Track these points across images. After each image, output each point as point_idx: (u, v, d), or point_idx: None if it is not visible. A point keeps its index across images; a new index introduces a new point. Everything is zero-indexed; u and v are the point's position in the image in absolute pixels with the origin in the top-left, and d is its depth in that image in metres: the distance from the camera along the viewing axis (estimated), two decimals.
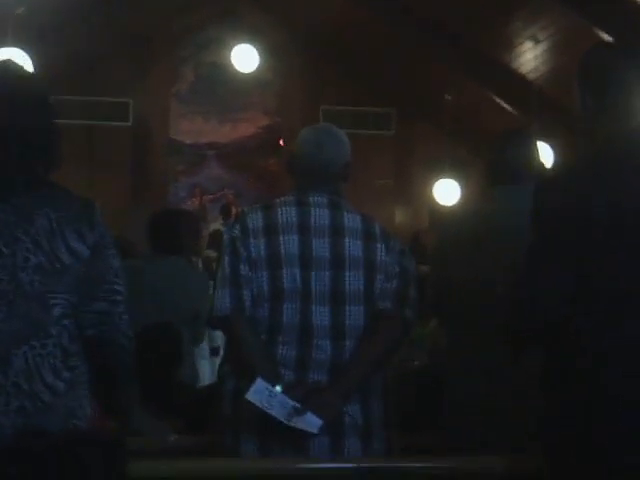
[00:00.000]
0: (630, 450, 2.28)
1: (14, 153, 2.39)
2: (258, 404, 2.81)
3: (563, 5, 8.82)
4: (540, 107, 9.92)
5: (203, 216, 12.28)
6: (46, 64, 8.74)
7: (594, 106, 2.54)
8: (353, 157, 3.22)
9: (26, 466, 2.20)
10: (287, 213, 3.06)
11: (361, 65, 12.41)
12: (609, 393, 2.30)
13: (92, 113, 12.61)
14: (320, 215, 3.07)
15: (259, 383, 2.82)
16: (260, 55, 11.86)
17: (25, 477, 2.19)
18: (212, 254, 9.62)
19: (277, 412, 2.81)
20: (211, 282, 3.44)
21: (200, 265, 8.33)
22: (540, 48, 9.93)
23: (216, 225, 12.07)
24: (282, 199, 3.12)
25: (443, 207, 11.46)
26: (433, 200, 11.86)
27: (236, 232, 3.04)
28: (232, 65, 12.01)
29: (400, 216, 13.18)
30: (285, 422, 2.81)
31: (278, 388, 2.84)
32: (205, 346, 5.45)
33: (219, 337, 5.11)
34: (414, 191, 13.15)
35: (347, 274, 3.03)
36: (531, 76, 10.40)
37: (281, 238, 3.02)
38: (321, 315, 2.99)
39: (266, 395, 2.82)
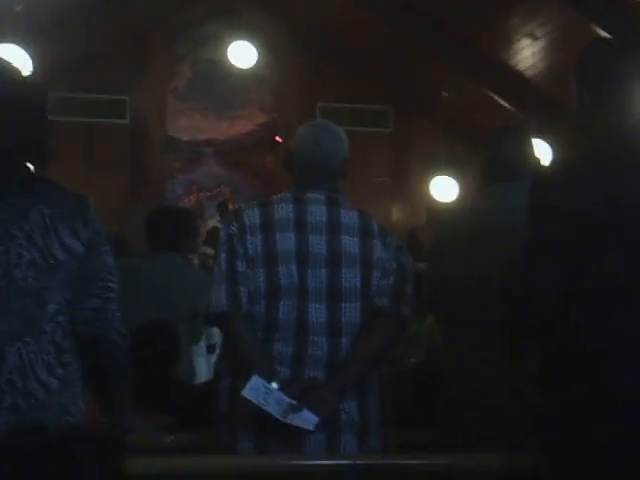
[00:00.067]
0: (629, 448, 2.28)
1: (8, 152, 2.39)
2: (254, 401, 2.81)
3: (561, 2, 8.82)
4: (538, 104, 9.92)
5: (200, 213, 12.28)
6: (44, 61, 8.74)
7: (592, 102, 2.54)
8: (350, 154, 3.22)
9: (19, 463, 2.19)
10: (284, 210, 3.06)
11: (358, 62, 12.41)
12: (608, 391, 2.30)
13: (89, 111, 12.61)
14: (317, 212, 3.07)
15: (255, 380, 2.82)
16: (258, 52, 11.85)
17: (19, 474, 2.19)
18: (208, 251, 9.62)
19: (273, 409, 2.81)
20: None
21: (196, 262, 8.32)
22: (538, 45, 9.94)
23: (213, 222, 12.08)
24: (279, 196, 3.12)
25: (440, 204, 11.46)
26: (430, 197, 11.86)
27: (233, 229, 3.04)
28: (229, 62, 12.00)
29: (397, 213, 13.19)
30: (281, 419, 2.81)
31: (274, 385, 2.83)
32: (202, 343, 5.45)
33: (216, 334, 5.11)
34: (411, 188, 13.15)
35: (344, 271, 3.02)
36: (529, 73, 10.40)
37: (278, 235, 3.02)
38: (317, 312, 2.99)
39: (262, 392, 2.82)
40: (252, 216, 3.05)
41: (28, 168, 2.44)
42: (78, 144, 12.55)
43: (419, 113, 12.89)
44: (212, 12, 13.26)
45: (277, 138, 13.35)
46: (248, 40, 11.73)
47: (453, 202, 11.36)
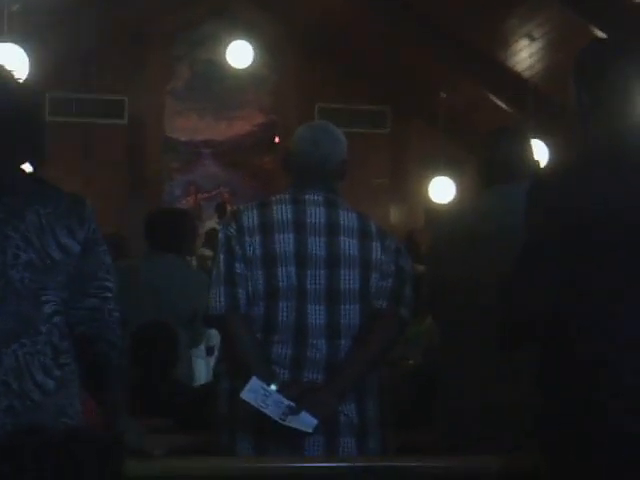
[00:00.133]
0: (629, 448, 2.28)
1: (3, 152, 2.39)
2: (253, 403, 2.81)
3: (559, 3, 8.83)
4: (536, 105, 9.92)
5: (198, 214, 12.28)
6: (41, 61, 8.73)
7: (590, 103, 2.53)
8: (348, 155, 3.22)
9: (20, 464, 2.19)
10: (283, 211, 3.05)
11: (356, 63, 12.41)
12: (608, 391, 2.30)
13: (87, 111, 12.60)
14: (316, 213, 3.06)
15: (254, 382, 2.82)
16: (256, 52, 11.86)
17: (19, 475, 2.19)
18: (207, 253, 9.62)
19: (272, 411, 2.80)
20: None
21: (194, 263, 8.32)
22: (535, 46, 9.94)
23: (211, 223, 12.09)
24: (278, 197, 3.12)
25: (438, 205, 11.47)
26: (428, 198, 11.87)
27: (232, 230, 3.04)
28: (227, 62, 12.00)
29: (395, 214, 13.19)
30: (280, 421, 2.81)
31: (273, 387, 2.83)
32: (201, 345, 5.45)
33: (215, 336, 5.10)
34: (409, 189, 13.16)
35: (343, 273, 3.02)
36: (526, 74, 10.41)
37: (277, 236, 3.02)
38: (316, 314, 2.99)
39: (261, 394, 2.81)
40: (250, 217, 3.05)
41: (23, 169, 2.44)
42: (76, 144, 12.56)
43: (417, 114, 12.89)
44: (210, 12, 13.26)
45: (275, 139, 13.35)
46: (246, 40, 11.74)
47: (451, 203, 11.37)
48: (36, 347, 2.32)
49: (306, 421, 2.82)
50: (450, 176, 11.64)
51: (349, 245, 3.05)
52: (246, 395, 2.81)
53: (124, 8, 11.52)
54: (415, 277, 3.22)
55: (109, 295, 2.46)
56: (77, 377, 2.43)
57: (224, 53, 11.94)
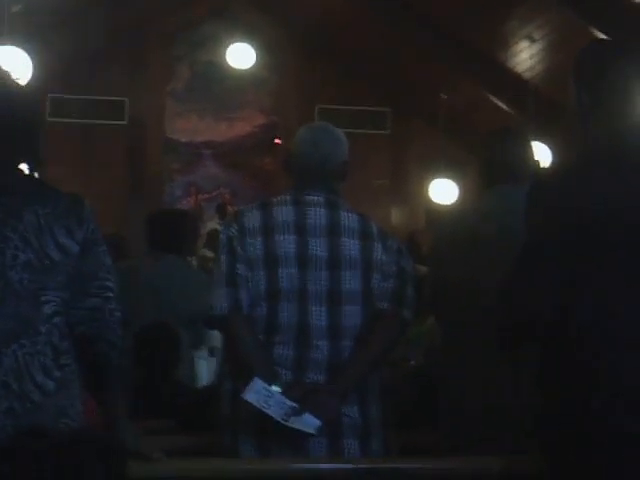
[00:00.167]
0: (629, 448, 2.28)
1: (1, 153, 2.40)
2: (255, 404, 2.81)
3: (559, 4, 8.83)
4: (536, 106, 9.93)
5: (199, 215, 12.27)
6: (42, 62, 8.73)
7: (590, 103, 2.53)
8: (349, 156, 3.22)
9: (21, 465, 2.19)
10: (284, 212, 3.05)
11: (357, 64, 12.41)
12: (608, 391, 2.30)
13: (88, 112, 12.60)
14: (317, 214, 3.06)
15: (257, 383, 2.82)
16: (256, 53, 11.87)
17: (20, 477, 2.19)
18: (208, 254, 9.60)
19: (274, 412, 2.80)
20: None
21: (194, 264, 8.31)
22: (536, 47, 9.95)
23: (212, 224, 12.07)
24: (279, 198, 3.12)
25: (439, 206, 11.47)
26: (429, 199, 11.86)
27: (233, 231, 3.04)
28: (228, 63, 12.01)
29: (396, 215, 13.18)
30: (282, 422, 2.81)
31: (276, 388, 2.83)
32: (203, 346, 5.44)
33: (217, 337, 5.10)
34: (410, 190, 13.15)
35: (344, 274, 3.02)
36: (527, 75, 10.41)
37: (278, 237, 3.02)
38: (318, 315, 2.99)
39: (263, 395, 2.81)
40: (252, 218, 3.05)
41: (21, 169, 2.45)
42: (76, 145, 12.56)
43: (418, 115, 12.89)
44: (210, 13, 13.26)
45: (276, 140, 13.34)
46: (246, 41, 11.75)
47: (452, 204, 11.37)
48: (36, 347, 2.33)
49: (309, 422, 2.82)
50: (451, 177, 11.64)
51: (350, 246, 3.05)
52: (249, 396, 2.81)
53: (124, 9, 11.52)
54: (416, 278, 3.22)
55: (110, 295, 2.46)
56: (78, 378, 2.43)
57: (224, 54, 11.95)
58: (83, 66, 12.33)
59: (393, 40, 10.99)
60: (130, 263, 5.14)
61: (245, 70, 12.14)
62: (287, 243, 3.01)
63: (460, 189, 11.51)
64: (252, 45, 11.78)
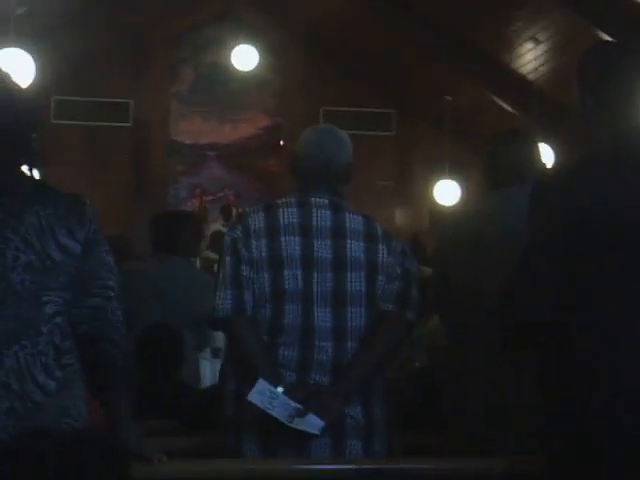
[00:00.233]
0: (629, 448, 2.28)
1: (2, 154, 2.40)
2: (260, 405, 2.81)
3: (563, 5, 8.82)
4: (540, 108, 9.92)
5: (204, 217, 12.29)
6: (47, 64, 8.75)
7: (594, 106, 2.53)
8: (354, 158, 3.22)
9: (24, 466, 2.20)
10: (289, 214, 3.06)
11: (361, 65, 12.41)
12: (608, 391, 2.30)
13: (92, 114, 12.62)
14: (322, 216, 3.07)
15: (261, 384, 2.82)
16: (260, 55, 11.88)
17: (22, 477, 2.19)
18: (211, 255, 9.61)
19: (278, 413, 2.81)
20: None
21: (198, 265, 8.31)
22: (540, 49, 9.94)
23: (216, 226, 12.08)
24: (284, 200, 3.12)
25: (443, 208, 11.47)
26: (433, 201, 11.87)
27: (238, 233, 3.04)
28: (232, 65, 12.02)
29: (400, 217, 13.18)
30: (287, 423, 2.81)
31: (280, 389, 2.84)
32: (207, 347, 5.45)
33: (221, 338, 5.10)
34: (414, 192, 13.16)
35: (349, 275, 3.02)
36: (531, 77, 10.41)
37: (283, 239, 3.02)
38: (323, 316, 2.99)
39: (267, 396, 2.82)
40: (257, 220, 3.05)
41: (23, 171, 2.46)
42: (81, 147, 12.57)
43: (422, 117, 12.89)
44: (214, 16, 13.27)
45: (280, 142, 13.35)
46: (250, 43, 11.76)
47: (456, 206, 11.37)
48: (37, 348, 2.33)
49: (313, 423, 2.82)
50: (455, 179, 11.64)
51: (355, 248, 3.05)
52: (253, 397, 2.81)
53: (129, 11, 11.54)
54: (420, 279, 3.22)
55: (112, 294, 2.47)
56: (81, 377, 2.43)
57: (228, 56, 11.96)
58: (88, 68, 12.35)
59: (396, 42, 10.99)
60: (134, 265, 5.14)
61: (249, 72, 12.16)
62: (292, 245, 3.02)
63: (464, 191, 11.51)
64: (256, 47, 11.80)
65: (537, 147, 3.46)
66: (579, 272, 2.35)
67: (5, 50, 7.72)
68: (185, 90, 13.58)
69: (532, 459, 2.64)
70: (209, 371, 5.41)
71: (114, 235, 5.89)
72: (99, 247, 2.47)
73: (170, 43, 13.23)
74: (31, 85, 7.56)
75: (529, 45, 9.95)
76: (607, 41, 6.28)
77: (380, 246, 3.08)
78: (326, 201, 3.09)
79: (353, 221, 3.09)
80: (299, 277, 2.99)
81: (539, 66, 10.23)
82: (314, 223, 3.05)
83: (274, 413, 2.80)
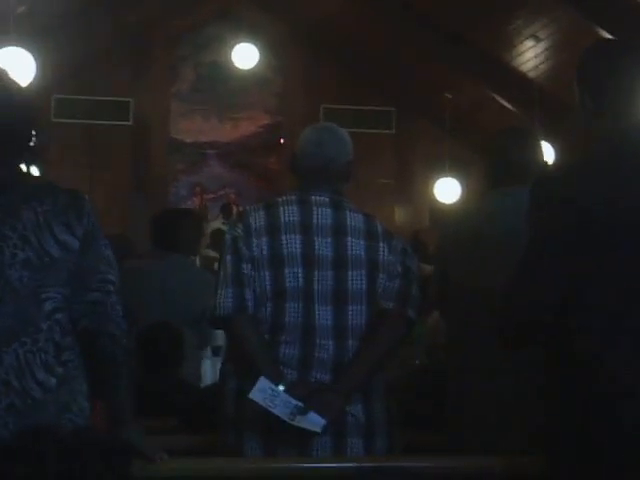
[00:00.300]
0: (629, 449, 2.28)
1: (1, 152, 2.41)
2: (261, 403, 2.81)
3: (564, 3, 8.83)
4: (541, 105, 9.93)
5: (204, 215, 12.29)
6: (47, 63, 8.75)
7: (594, 105, 2.53)
8: (354, 156, 3.22)
9: (24, 465, 2.20)
10: (289, 212, 3.06)
11: (362, 64, 12.42)
12: (609, 392, 2.30)
13: (93, 112, 12.62)
14: (322, 214, 3.07)
15: (262, 382, 2.82)
16: (260, 54, 11.88)
17: (23, 476, 2.19)
18: (211, 254, 9.60)
19: (280, 411, 2.81)
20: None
21: (198, 264, 8.31)
22: (541, 46, 9.95)
23: (216, 224, 12.08)
24: (284, 198, 3.12)
25: (444, 205, 11.48)
26: (434, 198, 11.88)
27: (238, 231, 3.04)
28: (232, 64, 12.03)
29: (400, 214, 13.19)
30: (288, 421, 2.81)
31: (281, 387, 2.84)
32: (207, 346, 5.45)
33: (221, 337, 5.10)
34: (415, 189, 13.17)
35: (350, 273, 3.02)
36: (532, 74, 10.41)
37: (283, 237, 3.02)
38: (324, 315, 2.99)
39: (269, 394, 2.82)
40: (257, 218, 3.05)
41: (20, 168, 2.46)
42: (81, 146, 12.58)
43: (422, 114, 12.90)
44: (215, 14, 13.29)
45: (280, 140, 13.36)
46: (251, 42, 11.76)
47: (456, 203, 11.38)
48: (37, 345, 2.33)
49: (314, 421, 2.82)
50: (455, 176, 11.65)
51: (356, 246, 3.05)
52: (254, 395, 2.82)
53: (129, 10, 11.54)
54: (421, 277, 3.22)
55: (111, 288, 2.46)
56: (82, 373, 2.43)
57: (229, 55, 11.97)
58: (88, 67, 12.36)
59: (397, 40, 10.99)
60: (135, 263, 5.13)
61: (249, 70, 12.16)
62: (293, 243, 3.02)
63: (464, 188, 11.52)
64: (256, 45, 11.80)
65: (540, 145, 3.45)
66: (579, 272, 2.35)
67: (5, 49, 7.73)
68: (185, 89, 13.59)
69: (532, 458, 2.64)
70: (210, 369, 5.41)
71: (115, 234, 5.88)
72: (97, 241, 2.46)
73: (170, 42, 13.25)
74: (31, 84, 7.57)
75: (529, 43, 9.96)
76: (607, 39, 6.29)
77: (381, 244, 3.08)
78: (327, 199, 3.09)
79: (354, 219, 3.09)
80: (300, 275, 2.99)
81: (539, 64, 10.23)
82: (315, 221, 3.05)
83: (275, 411, 2.81)
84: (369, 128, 12.72)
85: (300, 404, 2.82)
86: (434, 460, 2.91)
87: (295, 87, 13.27)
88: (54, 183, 2.49)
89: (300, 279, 2.99)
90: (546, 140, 8.84)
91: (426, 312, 4.50)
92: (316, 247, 3.02)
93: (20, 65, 7.59)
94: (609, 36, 7.93)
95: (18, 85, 2.52)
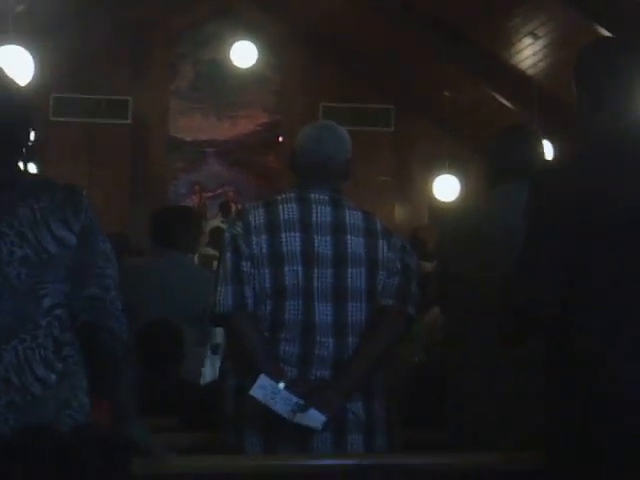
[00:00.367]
0: (629, 449, 2.29)
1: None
2: (261, 400, 2.82)
3: (562, 1, 8.83)
4: (539, 103, 9.93)
5: (203, 213, 12.30)
6: (46, 62, 8.75)
7: (592, 104, 2.53)
8: (353, 154, 3.23)
9: (24, 464, 2.20)
10: (289, 210, 3.06)
11: (360, 62, 12.42)
12: (608, 391, 2.30)
13: (92, 111, 12.63)
14: (322, 212, 3.07)
15: (263, 379, 2.83)
16: (259, 52, 11.88)
17: (23, 474, 2.20)
18: (210, 252, 9.60)
19: (280, 408, 2.81)
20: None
21: (196, 262, 8.30)
22: (539, 44, 9.95)
23: (215, 222, 12.09)
24: (283, 196, 3.12)
25: (442, 203, 11.49)
26: (432, 196, 11.88)
27: (238, 229, 3.04)
28: (231, 62, 12.03)
29: (400, 212, 13.20)
30: (288, 418, 2.82)
31: (281, 384, 2.84)
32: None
33: (220, 334, 5.10)
34: (413, 187, 13.18)
35: (349, 271, 3.03)
36: (530, 72, 10.41)
37: (283, 235, 3.02)
38: (323, 312, 2.99)
39: (269, 391, 2.82)
40: (257, 216, 3.05)
41: (17, 165, 2.46)
42: (80, 144, 12.58)
43: (421, 112, 12.90)
44: (214, 12, 13.29)
45: (279, 138, 13.36)
46: (250, 40, 11.76)
47: (456, 201, 11.38)
48: (37, 341, 2.34)
49: (315, 418, 2.83)
50: (454, 174, 11.66)
51: (355, 243, 3.05)
52: (255, 392, 2.82)
53: (128, 9, 11.54)
54: (420, 274, 3.22)
55: (110, 283, 2.46)
56: (82, 369, 2.44)
57: (228, 53, 11.97)
58: (87, 66, 12.36)
59: (395, 38, 10.99)
60: (134, 260, 5.14)
61: (248, 69, 12.16)
62: (292, 240, 3.02)
63: (463, 186, 11.52)
64: (255, 44, 11.80)
65: (540, 143, 3.45)
66: (579, 272, 2.34)
67: (4, 47, 7.73)
68: (184, 87, 13.59)
69: (531, 455, 2.65)
70: (209, 367, 5.41)
71: (114, 232, 5.89)
72: (95, 236, 2.46)
73: (169, 40, 13.25)
74: (30, 83, 7.57)
75: (528, 40, 9.96)
76: (606, 37, 6.29)
77: (380, 242, 3.09)
78: (326, 197, 3.10)
79: (353, 217, 3.09)
80: (299, 273, 3.00)
81: (538, 61, 10.23)
82: (314, 219, 3.06)
83: (276, 408, 2.81)
84: (368, 126, 12.73)
85: (300, 401, 2.83)
86: (434, 457, 2.92)
87: (294, 85, 13.27)
88: (52, 180, 2.49)
89: (300, 277, 2.99)
90: (545, 137, 8.84)
91: (424, 309, 4.50)
92: (315, 245, 3.02)
93: (19, 64, 7.59)
94: (608, 34, 7.93)
95: (17, 84, 2.52)
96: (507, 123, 4.64)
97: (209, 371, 5.40)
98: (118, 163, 12.71)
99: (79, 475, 2.23)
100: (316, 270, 3.00)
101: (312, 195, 3.09)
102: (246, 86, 13.27)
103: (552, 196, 2.39)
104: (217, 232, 9.92)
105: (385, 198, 12.77)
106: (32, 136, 2.51)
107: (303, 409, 2.83)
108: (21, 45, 7.82)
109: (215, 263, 3.26)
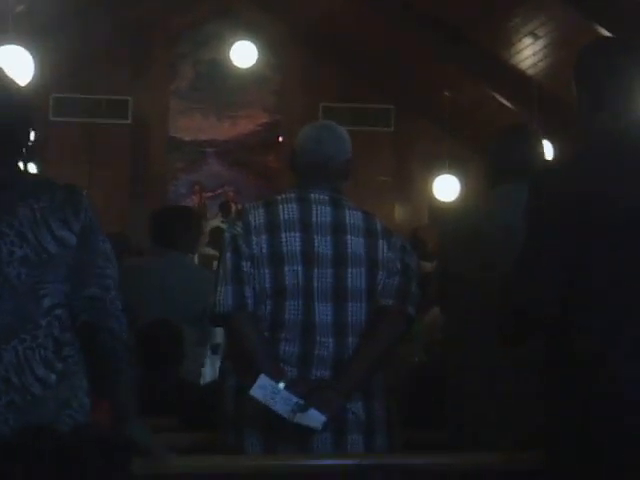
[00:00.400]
0: (629, 449, 2.29)
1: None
2: (261, 400, 2.82)
3: (562, 1, 8.83)
4: (539, 103, 9.93)
5: (203, 213, 12.30)
6: (46, 62, 8.75)
7: (592, 104, 2.53)
8: (353, 154, 3.23)
9: (24, 464, 2.20)
10: (289, 210, 3.06)
11: (360, 62, 12.42)
12: (608, 391, 2.30)
13: (91, 111, 12.63)
14: (322, 212, 3.07)
15: (263, 379, 2.83)
16: (259, 52, 11.88)
17: (23, 474, 2.20)
18: (210, 252, 9.60)
19: (280, 408, 2.81)
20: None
21: (196, 262, 8.30)
22: (539, 44, 9.95)
23: (215, 222, 12.09)
24: (283, 196, 3.12)
25: (442, 203, 11.49)
26: (432, 196, 11.88)
27: (238, 229, 3.04)
28: (231, 62, 12.03)
29: (400, 212, 13.20)
30: (288, 418, 2.82)
31: (281, 384, 2.84)
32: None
33: (219, 334, 5.11)
34: (413, 187, 13.18)
35: (349, 271, 3.03)
36: (530, 72, 10.41)
37: (283, 235, 3.02)
38: (323, 312, 2.99)
39: (269, 391, 2.82)
40: (257, 216, 3.05)
41: (17, 165, 2.46)
42: (80, 144, 12.59)
43: (421, 112, 12.90)
44: (214, 13, 13.29)
45: (279, 138, 13.37)
46: (250, 40, 11.76)
47: (456, 201, 11.39)
48: (37, 341, 2.34)
49: (315, 418, 2.83)
50: (454, 174, 11.66)
51: (355, 244, 3.05)
52: (255, 392, 2.82)
53: (128, 9, 11.55)
54: (420, 274, 3.22)
55: (110, 283, 2.46)
56: (82, 369, 2.44)
57: (228, 53, 11.97)
58: (87, 65, 12.36)
59: (395, 38, 10.99)
60: (134, 260, 5.14)
61: (248, 69, 12.16)
62: (292, 241, 3.02)
63: (463, 186, 11.53)
64: (255, 44, 11.80)
65: (540, 143, 3.45)
66: (579, 272, 2.34)
67: (4, 47, 7.73)
68: (184, 87, 13.59)
69: (531, 455, 2.65)
70: (209, 367, 5.41)
71: (114, 232, 5.89)
72: (95, 236, 2.46)
73: (169, 40, 13.25)
74: (30, 83, 7.57)
75: (528, 40, 9.96)
76: (606, 37, 6.29)
77: (380, 242, 3.09)
78: (326, 197, 3.10)
79: (353, 217, 3.09)
80: (299, 273, 3.00)
81: (538, 61, 10.24)
82: (314, 219, 3.06)
83: (276, 408, 2.81)
84: (368, 126, 12.73)
85: (300, 401, 2.83)
86: (434, 457, 2.92)
87: (294, 85, 13.28)
88: (52, 180, 2.49)
89: (300, 277, 2.99)
90: (545, 137, 8.84)
91: (424, 309, 4.50)
92: (315, 245, 3.03)
93: (19, 64, 7.60)
94: (608, 34, 7.93)
95: (17, 85, 2.52)
96: (507, 123, 4.64)
97: (209, 371, 5.40)
98: (118, 163, 12.72)
99: (79, 475, 2.23)
100: (316, 270, 3.00)
101: (312, 195, 3.09)
102: (246, 86, 13.27)
103: (552, 196, 2.40)
104: (217, 232, 9.92)
105: (385, 198, 12.78)
106: (32, 136, 2.51)
107: (303, 409, 2.83)
108: (21, 45, 7.82)
109: (215, 263, 3.26)
